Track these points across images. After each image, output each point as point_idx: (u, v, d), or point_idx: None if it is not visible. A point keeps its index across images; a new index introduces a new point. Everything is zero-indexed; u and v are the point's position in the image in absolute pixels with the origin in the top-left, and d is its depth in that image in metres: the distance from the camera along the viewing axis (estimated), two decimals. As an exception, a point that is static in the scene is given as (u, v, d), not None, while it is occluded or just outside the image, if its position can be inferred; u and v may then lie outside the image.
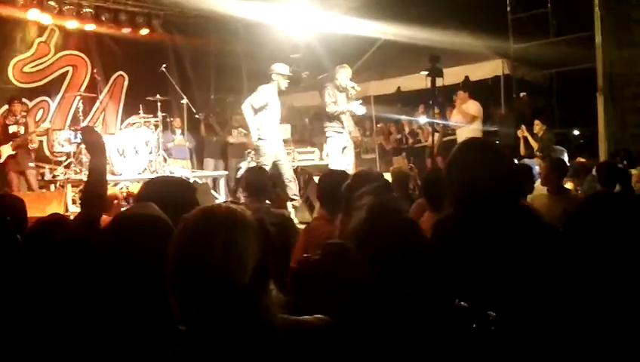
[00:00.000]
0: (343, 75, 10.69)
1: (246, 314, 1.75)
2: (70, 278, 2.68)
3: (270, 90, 10.37)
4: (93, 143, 3.39)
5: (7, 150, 11.37)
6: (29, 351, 2.51)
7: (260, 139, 10.26)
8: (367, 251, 2.15)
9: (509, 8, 13.37)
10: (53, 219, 3.49)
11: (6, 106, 12.03)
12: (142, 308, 2.19)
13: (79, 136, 11.34)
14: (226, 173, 13.60)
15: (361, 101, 11.00)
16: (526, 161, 10.49)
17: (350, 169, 10.25)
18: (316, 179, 8.96)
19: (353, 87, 10.70)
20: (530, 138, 12.07)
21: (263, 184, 5.71)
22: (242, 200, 11.46)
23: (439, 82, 10.55)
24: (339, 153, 10.75)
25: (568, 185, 8.14)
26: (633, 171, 8.77)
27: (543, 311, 2.15)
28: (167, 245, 1.84)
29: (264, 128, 10.27)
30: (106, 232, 2.53)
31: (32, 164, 11.87)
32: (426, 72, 10.21)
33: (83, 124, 12.63)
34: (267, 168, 9.44)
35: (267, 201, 5.42)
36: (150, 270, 2.16)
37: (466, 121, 12.61)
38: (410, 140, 14.90)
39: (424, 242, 2.36)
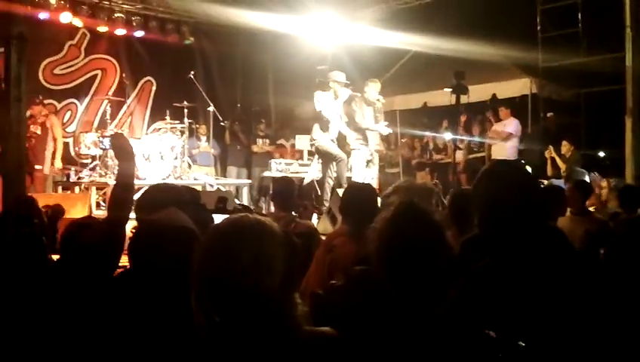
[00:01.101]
0: (372, 88, 10.75)
1: (273, 323, 1.75)
2: (98, 280, 2.71)
3: (326, 97, 10.44)
4: (122, 149, 3.43)
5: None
6: (56, 349, 2.52)
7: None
8: (388, 254, 2.13)
9: (539, 27, 13.29)
10: (83, 221, 3.52)
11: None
12: (166, 314, 2.20)
13: (108, 142, 11.40)
14: (249, 181, 13.64)
15: (387, 123, 11.08)
16: (554, 181, 10.42)
17: (374, 183, 10.26)
18: (339, 190, 8.97)
19: (378, 100, 10.75)
20: (557, 158, 11.99)
21: (290, 194, 5.73)
22: (264, 209, 11.55)
23: (464, 99, 10.56)
24: (363, 166, 10.77)
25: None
26: None
27: (574, 340, 2.11)
28: (190, 252, 1.85)
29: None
30: (134, 238, 2.55)
31: (39, 167, 11.81)
32: (450, 89, 10.24)
33: (110, 128, 12.72)
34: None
35: (293, 213, 5.42)
36: (174, 277, 2.17)
37: (500, 138, 12.60)
38: (435, 156, 14.85)
39: (449, 250, 2.30)
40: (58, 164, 11.97)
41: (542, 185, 7.79)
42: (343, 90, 10.48)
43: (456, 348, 1.99)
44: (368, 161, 10.82)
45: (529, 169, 9.91)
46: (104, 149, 11.93)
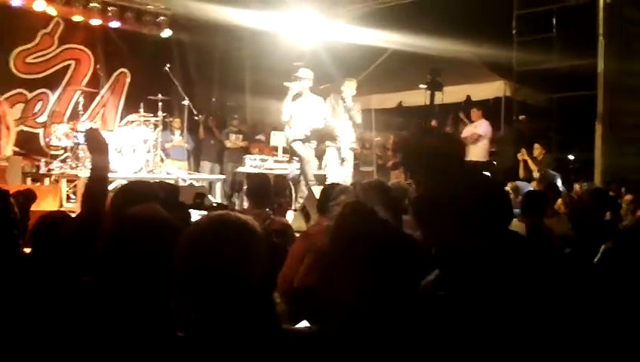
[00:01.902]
0: (348, 87, 10.81)
1: (253, 322, 1.76)
2: (74, 274, 2.68)
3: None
4: (96, 143, 3.41)
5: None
6: (32, 347, 2.50)
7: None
8: (337, 247, 2.16)
9: (515, 31, 13.40)
10: (57, 215, 3.48)
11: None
12: (143, 310, 2.19)
13: (81, 137, 11.27)
14: (223, 177, 13.59)
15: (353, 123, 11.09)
16: (519, 184, 10.47)
17: (348, 181, 10.30)
18: (315, 189, 9.00)
19: (345, 99, 10.78)
20: (530, 161, 12.09)
21: (266, 191, 5.72)
22: (237, 205, 11.52)
23: (439, 99, 10.60)
24: (337, 164, 10.80)
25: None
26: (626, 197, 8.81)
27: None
28: (170, 247, 1.85)
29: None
30: (111, 231, 2.54)
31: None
32: (425, 86, 10.26)
33: (82, 119, 12.60)
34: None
35: (267, 209, 5.42)
36: (152, 271, 2.16)
37: (471, 140, 12.71)
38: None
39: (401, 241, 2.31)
40: (8, 152, 11.72)
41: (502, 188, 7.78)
42: (295, 84, 10.44)
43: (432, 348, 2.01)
44: (343, 160, 10.85)
45: (488, 174, 10.08)
46: (76, 142, 11.79)
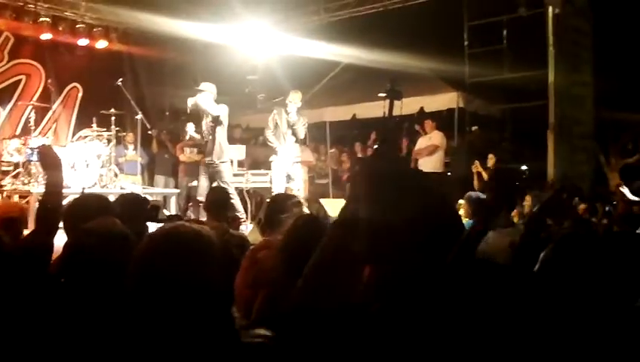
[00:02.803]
0: (292, 99, 10.81)
1: (213, 331, 1.74)
2: (26, 291, 2.64)
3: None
4: (49, 160, 3.39)
5: None
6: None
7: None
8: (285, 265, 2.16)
9: (466, 43, 13.57)
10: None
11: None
12: (99, 327, 2.16)
13: (35, 155, 11.09)
14: (178, 191, 13.48)
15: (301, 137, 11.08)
16: (474, 194, 10.57)
17: (300, 194, 10.33)
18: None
19: (289, 113, 10.78)
20: (483, 172, 12.22)
21: (224, 204, 5.70)
22: (192, 217, 11.44)
23: (397, 109, 10.64)
24: (282, 178, 10.80)
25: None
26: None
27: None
28: (126, 260, 1.83)
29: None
30: (71, 247, 2.52)
31: None
32: (384, 94, 10.29)
33: (34, 134, 12.40)
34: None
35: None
36: (107, 285, 2.14)
37: (427, 151, 12.80)
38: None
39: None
40: None
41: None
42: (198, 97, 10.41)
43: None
44: (288, 176, 10.84)
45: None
46: (29, 158, 11.59)
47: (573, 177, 12.02)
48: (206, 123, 10.47)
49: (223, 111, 10.35)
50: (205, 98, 10.26)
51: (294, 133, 10.89)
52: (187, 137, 13.37)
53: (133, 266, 1.79)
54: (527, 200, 10.79)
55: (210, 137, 10.36)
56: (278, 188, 10.57)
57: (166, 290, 1.74)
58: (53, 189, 3.34)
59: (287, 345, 1.92)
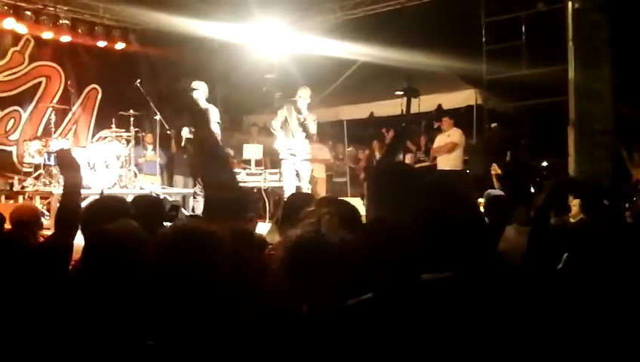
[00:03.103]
0: (302, 95, 10.82)
1: (225, 327, 1.76)
2: (47, 290, 2.69)
3: None
4: (67, 164, 3.42)
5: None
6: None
7: None
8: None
9: (484, 39, 13.49)
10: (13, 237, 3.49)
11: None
12: (113, 320, 2.19)
13: (53, 158, 11.20)
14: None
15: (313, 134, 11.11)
16: (493, 192, 10.49)
17: (306, 191, 10.37)
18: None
19: (300, 111, 10.78)
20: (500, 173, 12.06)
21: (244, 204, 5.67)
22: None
23: (414, 107, 10.56)
24: (293, 176, 10.80)
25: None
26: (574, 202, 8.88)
27: None
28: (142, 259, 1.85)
29: None
30: (90, 249, 2.56)
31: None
32: (401, 92, 10.24)
33: (54, 136, 12.51)
34: None
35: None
36: (122, 285, 2.17)
37: (446, 149, 12.72)
38: (382, 165, 14.90)
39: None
40: None
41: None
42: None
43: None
44: (297, 172, 10.84)
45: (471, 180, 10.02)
46: (49, 159, 11.69)
47: (594, 174, 11.90)
48: None
49: (212, 112, 10.43)
50: (198, 96, 10.30)
51: (305, 130, 10.90)
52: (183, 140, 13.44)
53: (146, 263, 1.82)
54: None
55: None
56: (289, 187, 10.58)
57: (176, 287, 1.76)
58: (72, 190, 3.39)
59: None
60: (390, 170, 2.66)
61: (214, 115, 10.58)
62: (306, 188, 10.83)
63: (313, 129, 11.07)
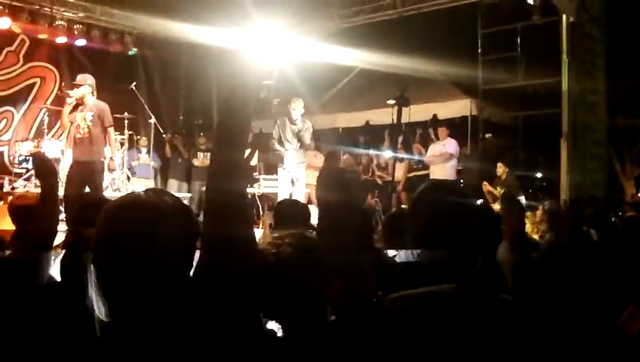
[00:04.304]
0: (294, 107, 10.86)
1: (162, 306, 1.73)
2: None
3: None
4: (44, 168, 3.33)
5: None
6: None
7: None
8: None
9: (480, 50, 13.53)
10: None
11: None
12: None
13: (30, 160, 11.16)
14: (190, 195, 13.52)
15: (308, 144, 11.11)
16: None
17: (302, 198, 10.40)
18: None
19: (295, 121, 10.80)
20: (494, 191, 12.06)
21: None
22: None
23: (405, 117, 10.61)
24: (287, 184, 10.87)
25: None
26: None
27: None
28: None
29: None
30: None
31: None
32: (393, 101, 10.27)
33: (47, 137, 12.46)
34: None
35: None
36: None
37: (442, 159, 12.73)
38: (377, 173, 14.91)
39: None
40: None
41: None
42: (74, 91, 9.82)
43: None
44: (292, 181, 10.90)
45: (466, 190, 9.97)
46: (25, 166, 11.67)
47: (586, 186, 11.92)
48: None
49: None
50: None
51: (300, 140, 10.93)
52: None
53: (93, 240, 1.79)
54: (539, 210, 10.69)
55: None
56: (283, 193, 10.62)
57: (118, 258, 1.72)
58: (50, 198, 3.27)
59: None
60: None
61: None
62: (303, 194, 10.84)
63: (308, 139, 11.10)
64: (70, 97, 9.56)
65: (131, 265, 1.71)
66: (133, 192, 1.92)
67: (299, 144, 10.96)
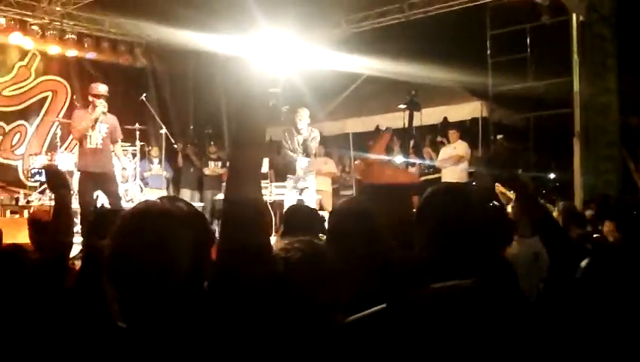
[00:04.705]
0: (300, 117, 10.86)
1: (176, 313, 1.74)
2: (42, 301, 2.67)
3: None
4: (56, 181, 3.35)
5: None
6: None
7: None
8: None
9: (489, 52, 13.49)
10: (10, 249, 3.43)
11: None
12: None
13: (42, 173, 11.22)
14: (202, 204, 13.55)
15: (312, 156, 11.13)
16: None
17: (312, 204, 10.40)
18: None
19: (301, 131, 10.81)
20: (506, 192, 12.01)
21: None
22: (217, 233, 11.51)
23: (417, 120, 10.59)
24: (294, 191, 10.87)
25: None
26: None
27: None
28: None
29: None
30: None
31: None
32: (404, 106, 10.24)
33: (60, 150, 12.53)
34: None
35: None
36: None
37: (452, 161, 12.70)
38: (388, 178, 14.86)
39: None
40: None
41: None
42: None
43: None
44: (301, 189, 10.90)
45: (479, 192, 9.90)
46: (38, 179, 11.72)
47: (599, 186, 11.85)
48: None
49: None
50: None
51: (306, 149, 10.93)
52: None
53: (108, 244, 1.79)
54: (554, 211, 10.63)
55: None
56: (289, 201, 10.62)
57: (134, 264, 1.73)
58: (64, 211, 3.29)
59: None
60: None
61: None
62: (314, 201, 10.84)
63: (314, 149, 11.13)
64: (104, 106, 9.73)
65: (146, 271, 1.72)
66: (147, 200, 1.93)
67: (306, 153, 10.98)
